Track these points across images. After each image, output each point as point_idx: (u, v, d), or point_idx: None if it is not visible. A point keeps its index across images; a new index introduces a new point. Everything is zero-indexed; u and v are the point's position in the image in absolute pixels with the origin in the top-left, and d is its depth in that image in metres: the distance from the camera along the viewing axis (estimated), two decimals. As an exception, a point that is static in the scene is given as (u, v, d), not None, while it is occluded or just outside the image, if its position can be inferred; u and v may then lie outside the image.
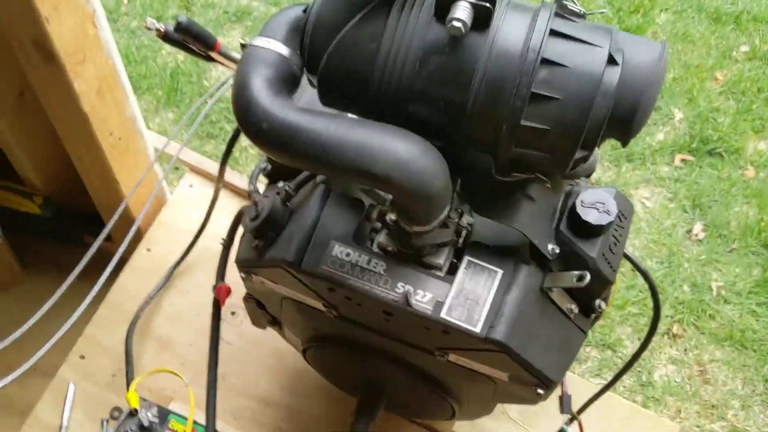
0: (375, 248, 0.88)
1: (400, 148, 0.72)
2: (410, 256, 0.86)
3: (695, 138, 2.33)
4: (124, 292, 1.37)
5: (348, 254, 0.87)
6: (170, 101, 2.34)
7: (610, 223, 0.87)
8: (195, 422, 1.07)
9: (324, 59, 0.76)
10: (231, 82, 1.32)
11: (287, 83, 0.77)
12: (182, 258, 1.41)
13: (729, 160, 2.31)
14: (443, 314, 0.84)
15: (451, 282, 0.85)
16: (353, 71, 0.75)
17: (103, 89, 1.14)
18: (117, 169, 1.28)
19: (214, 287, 1.11)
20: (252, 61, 0.76)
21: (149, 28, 0.92)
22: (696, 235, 2.15)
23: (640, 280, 1.99)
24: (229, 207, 1.38)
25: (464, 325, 0.84)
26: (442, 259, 0.87)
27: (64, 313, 1.17)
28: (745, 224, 2.16)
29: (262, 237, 0.91)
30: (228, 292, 1.10)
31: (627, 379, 1.87)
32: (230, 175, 1.48)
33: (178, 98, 2.34)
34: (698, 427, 1.80)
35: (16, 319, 1.13)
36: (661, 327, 1.98)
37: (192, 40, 0.93)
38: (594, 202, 0.88)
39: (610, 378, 1.24)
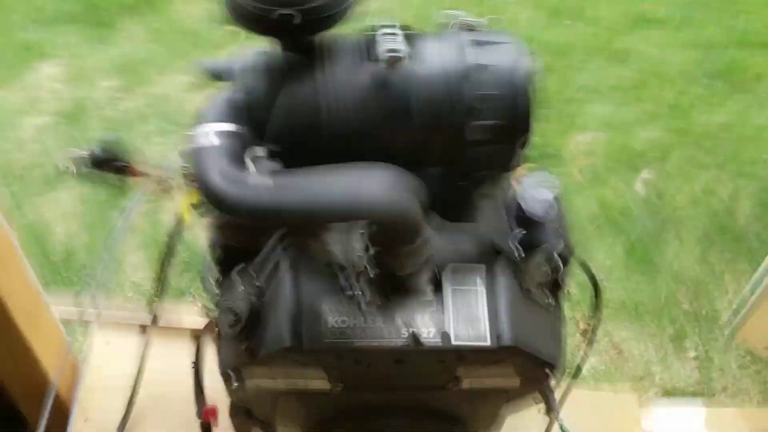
0: (364, 307, 0.89)
1: (376, 180, 0.76)
2: (399, 295, 0.88)
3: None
4: (75, 475, 1.24)
5: (344, 321, 0.88)
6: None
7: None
8: None
9: (270, 126, 0.79)
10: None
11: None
12: (126, 415, 1.29)
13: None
14: (454, 341, 0.87)
15: (442, 308, 0.88)
16: (302, 129, 0.79)
17: (5, 261, 1.06)
18: (36, 348, 1.17)
19: (199, 413, 1.05)
20: (203, 159, 0.76)
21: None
22: (560, 238, 2.34)
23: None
24: (155, 349, 1.31)
25: (476, 343, 0.87)
26: (425, 283, 0.89)
27: None
28: (590, 214, 2.40)
29: (250, 338, 0.89)
30: (215, 412, 1.04)
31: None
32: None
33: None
34: (637, 400, 1.93)
35: None
36: (570, 327, 2.11)
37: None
38: (534, 198, 0.95)
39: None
